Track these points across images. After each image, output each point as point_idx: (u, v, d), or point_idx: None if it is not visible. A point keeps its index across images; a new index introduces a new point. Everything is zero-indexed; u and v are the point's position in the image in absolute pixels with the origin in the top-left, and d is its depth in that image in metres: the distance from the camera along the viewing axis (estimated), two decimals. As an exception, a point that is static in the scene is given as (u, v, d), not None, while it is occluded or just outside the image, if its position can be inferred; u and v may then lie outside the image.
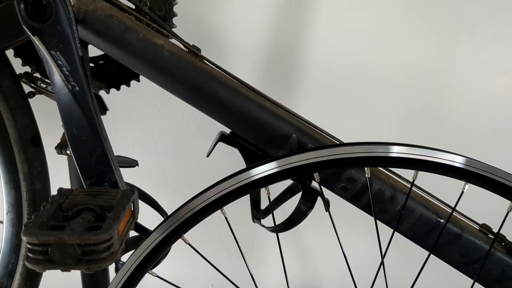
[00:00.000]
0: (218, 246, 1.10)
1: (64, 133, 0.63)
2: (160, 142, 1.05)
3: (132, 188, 0.53)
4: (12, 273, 0.67)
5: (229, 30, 0.97)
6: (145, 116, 1.04)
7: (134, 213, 0.53)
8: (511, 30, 0.99)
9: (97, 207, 0.49)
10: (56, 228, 0.45)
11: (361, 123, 1.04)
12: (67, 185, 0.70)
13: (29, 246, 0.43)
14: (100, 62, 0.66)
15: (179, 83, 0.58)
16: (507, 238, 0.66)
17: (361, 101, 1.02)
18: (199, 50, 0.60)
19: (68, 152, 0.59)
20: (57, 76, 0.52)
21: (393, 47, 1.00)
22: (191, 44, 0.60)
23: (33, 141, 0.62)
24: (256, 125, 0.59)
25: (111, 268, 0.69)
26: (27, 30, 0.51)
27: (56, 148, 0.61)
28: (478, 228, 0.66)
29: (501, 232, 0.66)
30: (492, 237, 0.65)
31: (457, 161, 0.56)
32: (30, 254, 0.44)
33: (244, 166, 0.63)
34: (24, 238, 0.43)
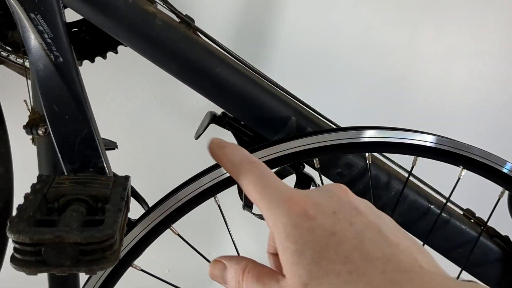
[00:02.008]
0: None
1: (32, 111, 0.55)
2: (118, 119, 0.97)
3: (125, 175, 0.47)
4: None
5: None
6: (101, 90, 0.95)
7: (128, 204, 0.47)
8: (475, 16, 1.01)
9: (89, 198, 0.43)
10: (47, 224, 0.39)
11: (329, 103, 1.02)
12: (30, 169, 0.62)
13: (17, 246, 0.37)
14: (74, 30, 0.57)
15: (171, 57, 0.52)
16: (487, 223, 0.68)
17: (329, 78, 1.00)
18: (192, 20, 0.54)
19: (40, 132, 0.52)
20: (36, 44, 0.44)
21: (362, 26, 0.98)
22: (184, 14, 0.54)
23: (-5, 118, 0.54)
24: (255, 107, 0.55)
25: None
26: (0, -13, 0.43)
27: (25, 127, 0.53)
28: (462, 213, 0.67)
29: (481, 217, 0.68)
30: (474, 221, 0.66)
31: (458, 148, 0.56)
32: (17, 255, 0.37)
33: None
34: (11, 237, 0.36)
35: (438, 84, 1.04)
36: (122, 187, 0.44)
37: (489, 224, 0.66)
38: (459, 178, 0.57)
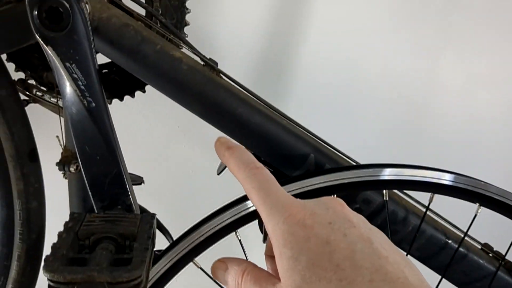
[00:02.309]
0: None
1: (64, 148, 0.58)
2: (144, 148, 1.00)
3: (151, 213, 0.50)
4: (-1, 296, 0.61)
5: (222, 35, 0.93)
6: (128, 120, 0.99)
7: (154, 241, 0.49)
8: (494, 47, 1.02)
9: (118, 236, 0.45)
10: (79, 262, 0.42)
11: (347, 134, 1.04)
12: (61, 204, 0.65)
13: (52, 284, 0.39)
14: (104, 71, 0.61)
15: (196, 98, 0.55)
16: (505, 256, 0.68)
17: (349, 110, 1.02)
18: (216, 63, 0.57)
19: (71, 169, 0.55)
20: (70, 90, 0.48)
21: (382, 58, 1.00)
22: (208, 57, 0.57)
23: (30, 156, 0.57)
24: (274, 144, 0.57)
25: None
26: (39, 40, 0.46)
27: (58, 164, 0.56)
28: (480, 248, 0.67)
29: (500, 251, 0.68)
30: (492, 255, 0.67)
31: (475, 186, 0.57)
32: (52, 292, 0.40)
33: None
34: (47, 276, 0.39)
35: (458, 114, 1.04)
36: (148, 225, 0.47)
37: (508, 259, 0.66)
38: (475, 215, 0.58)
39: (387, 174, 0.56)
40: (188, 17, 0.62)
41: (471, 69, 1.02)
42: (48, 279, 0.39)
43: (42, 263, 0.40)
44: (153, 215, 0.49)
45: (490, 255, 0.67)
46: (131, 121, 0.99)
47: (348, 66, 1.00)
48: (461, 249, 0.64)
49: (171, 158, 1.02)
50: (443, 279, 0.64)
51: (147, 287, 0.43)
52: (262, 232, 0.64)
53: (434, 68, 1.03)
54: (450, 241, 0.63)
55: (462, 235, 0.63)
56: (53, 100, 0.60)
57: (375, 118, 1.03)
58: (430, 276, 0.61)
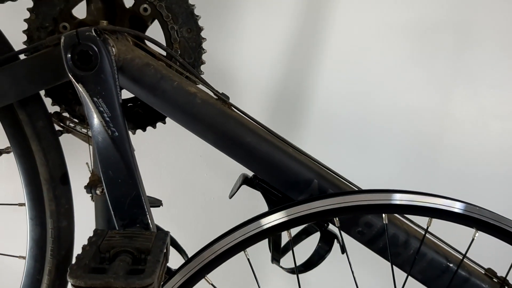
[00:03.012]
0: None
1: (92, 173, 0.65)
2: (168, 175, 1.07)
3: (165, 231, 0.55)
4: (31, 308, 0.67)
5: (240, 71, 1.01)
6: (153, 149, 1.06)
7: (167, 256, 0.54)
8: (506, 79, 1.05)
9: (134, 250, 0.51)
10: (99, 271, 0.47)
11: (362, 165, 1.08)
12: (87, 223, 0.71)
13: (74, 288, 0.45)
14: (129, 105, 0.68)
15: (209, 129, 0.61)
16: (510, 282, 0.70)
17: (363, 143, 1.06)
18: (227, 97, 0.63)
19: (97, 192, 0.61)
20: (97, 121, 0.55)
21: (395, 92, 1.05)
22: (221, 92, 0.63)
23: (62, 179, 0.64)
24: (280, 171, 0.62)
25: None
26: (72, 78, 0.53)
27: (86, 187, 0.63)
28: (483, 272, 0.69)
29: (504, 276, 0.70)
30: (497, 281, 0.69)
31: (467, 210, 0.60)
32: (75, 297, 0.45)
33: (263, 209, 0.66)
34: (70, 281, 0.45)
35: (471, 145, 1.07)
36: (162, 241, 0.52)
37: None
38: (473, 239, 0.61)
39: (384, 199, 0.60)
40: (204, 56, 0.69)
41: (482, 102, 1.06)
42: (72, 284, 0.45)
43: (68, 272, 0.46)
44: (167, 232, 0.55)
45: (494, 279, 0.69)
46: (158, 150, 1.06)
47: (362, 100, 1.05)
48: (463, 272, 0.66)
49: (194, 185, 1.08)
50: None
51: (158, 296, 0.48)
52: (270, 251, 0.68)
53: (447, 102, 1.06)
54: (451, 265, 0.66)
55: (466, 260, 0.66)
56: (84, 130, 0.67)
57: (388, 150, 1.07)
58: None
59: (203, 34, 0.67)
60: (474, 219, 0.60)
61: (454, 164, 1.08)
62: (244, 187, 0.66)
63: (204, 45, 0.68)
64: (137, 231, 0.55)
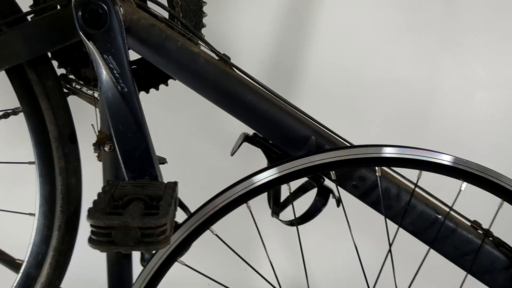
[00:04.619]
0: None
1: (99, 131, 0.68)
2: (167, 144, 1.09)
3: (174, 181, 0.58)
4: (41, 263, 0.70)
5: (238, 36, 1.04)
6: (152, 120, 1.08)
7: (176, 204, 0.58)
8: (490, 50, 1.09)
9: (146, 197, 0.54)
10: (115, 214, 0.51)
11: (353, 132, 1.12)
12: (95, 180, 0.74)
13: (93, 229, 0.48)
14: (133, 67, 0.71)
15: (212, 88, 0.64)
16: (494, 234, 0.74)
17: (355, 107, 1.10)
18: (229, 58, 0.66)
19: (106, 149, 0.64)
20: (107, 78, 0.57)
21: (385, 63, 1.09)
22: (222, 53, 0.66)
23: (71, 138, 0.67)
24: (280, 128, 0.66)
25: (135, 260, 0.74)
26: (82, 36, 0.56)
27: (94, 145, 0.65)
28: (470, 224, 0.74)
29: (487, 228, 0.75)
30: (481, 232, 0.73)
31: (455, 162, 0.64)
32: (93, 237, 0.49)
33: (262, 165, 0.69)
34: (90, 222, 0.48)
35: (457, 113, 1.12)
36: (171, 189, 0.56)
37: (502, 238, 0.72)
38: (460, 190, 0.65)
39: (376, 152, 0.63)
40: (205, 20, 0.71)
41: (469, 73, 1.10)
42: (91, 225, 0.48)
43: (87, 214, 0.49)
44: (176, 182, 0.58)
45: (479, 231, 0.73)
46: (155, 120, 1.09)
47: (354, 68, 1.09)
48: (450, 224, 0.70)
49: (191, 153, 1.12)
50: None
51: (170, 237, 0.51)
52: (270, 206, 0.72)
53: (435, 73, 1.10)
54: (439, 216, 0.70)
55: (453, 213, 0.70)
56: (90, 92, 0.70)
57: (378, 116, 1.11)
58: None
59: (204, -2, 0.70)
60: (462, 170, 0.64)
61: (442, 132, 1.13)
62: (245, 145, 0.70)
63: (204, 8, 0.71)
64: (147, 182, 0.58)
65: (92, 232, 0.48)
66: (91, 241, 0.49)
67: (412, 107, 1.11)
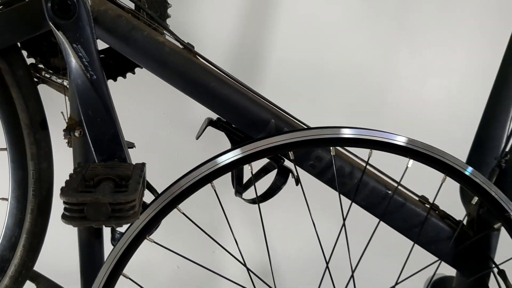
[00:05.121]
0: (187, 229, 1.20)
1: (69, 118, 0.71)
2: (134, 132, 1.13)
3: (142, 162, 0.62)
4: (15, 246, 0.73)
5: (202, 32, 1.08)
6: (121, 108, 1.11)
7: (144, 184, 0.62)
8: (443, 37, 1.17)
9: (116, 177, 0.58)
10: (87, 192, 0.54)
11: (313, 117, 1.18)
12: (65, 165, 0.77)
13: (66, 206, 0.52)
14: (101, 56, 0.74)
15: (177, 75, 0.68)
16: (440, 207, 0.81)
17: (315, 96, 1.16)
18: (192, 47, 0.70)
19: (76, 134, 0.67)
20: (76, 66, 0.61)
21: (344, 50, 1.15)
22: (186, 42, 0.70)
23: (42, 125, 0.70)
24: (241, 112, 0.71)
25: (106, 240, 0.78)
26: (52, 26, 0.59)
27: (65, 130, 0.68)
28: (418, 199, 0.81)
29: (436, 202, 0.82)
30: (428, 206, 0.80)
31: (403, 141, 0.70)
32: (66, 213, 0.52)
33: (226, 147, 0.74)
34: (63, 199, 0.52)
35: (411, 98, 1.19)
36: (140, 170, 0.60)
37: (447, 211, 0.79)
38: (407, 167, 0.71)
39: (330, 133, 0.69)
40: (170, 10, 0.75)
41: (422, 60, 1.17)
42: (64, 202, 0.52)
43: (58, 193, 0.52)
44: (144, 163, 0.62)
45: (426, 205, 0.80)
46: (123, 108, 1.12)
47: (314, 55, 1.14)
48: (399, 198, 0.77)
49: (158, 140, 1.15)
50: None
51: (139, 213, 0.56)
52: (233, 186, 0.77)
53: (390, 60, 1.17)
54: (389, 192, 0.76)
55: (402, 188, 0.77)
56: (59, 80, 0.73)
57: (338, 103, 1.17)
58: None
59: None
60: (408, 149, 0.70)
61: (397, 117, 1.20)
62: (209, 129, 0.74)
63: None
64: (116, 163, 0.62)
65: (65, 208, 0.52)
66: (64, 217, 0.52)
67: (369, 93, 1.18)
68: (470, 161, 0.86)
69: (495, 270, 0.75)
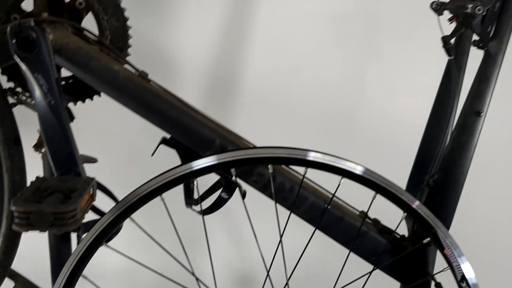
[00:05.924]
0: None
1: (39, 136, 0.81)
2: (119, 145, 1.23)
3: (92, 177, 0.72)
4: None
5: (176, 56, 1.17)
6: (108, 123, 1.22)
7: (93, 196, 0.71)
8: (411, 60, 1.23)
9: (65, 189, 0.67)
10: (36, 202, 0.64)
11: (285, 135, 1.25)
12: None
13: (16, 213, 0.61)
14: (70, 81, 0.84)
15: (130, 99, 0.77)
16: (380, 222, 0.87)
17: (286, 114, 1.23)
18: (146, 74, 0.79)
19: (43, 150, 0.77)
20: (38, 93, 0.70)
21: (315, 70, 1.22)
22: (141, 70, 0.79)
23: (15, 141, 0.80)
24: (190, 132, 0.79)
25: (74, 240, 0.87)
26: (16, 58, 0.69)
27: (34, 147, 0.78)
28: (358, 214, 0.87)
29: (376, 218, 0.88)
30: (368, 220, 0.86)
31: (332, 161, 0.76)
32: (16, 220, 0.62)
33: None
34: (12, 208, 0.61)
35: (380, 119, 1.25)
36: (87, 183, 0.69)
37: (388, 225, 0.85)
38: (339, 184, 0.78)
39: (268, 153, 0.76)
40: (131, 41, 0.85)
41: (389, 81, 1.23)
42: (13, 210, 0.61)
43: (12, 202, 0.62)
44: (93, 178, 0.72)
45: (368, 220, 0.86)
46: (108, 122, 1.22)
47: (286, 79, 1.22)
48: (338, 213, 0.83)
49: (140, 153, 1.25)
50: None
51: (80, 221, 0.64)
52: (189, 198, 0.85)
53: (360, 81, 1.24)
54: (328, 206, 0.83)
55: (342, 203, 0.83)
56: (33, 102, 0.83)
57: (308, 121, 1.24)
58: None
59: (129, 23, 0.83)
60: (336, 168, 0.77)
61: (366, 135, 1.26)
62: (163, 147, 0.83)
63: (131, 31, 0.84)
64: (70, 177, 0.72)
65: (15, 216, 0.62)
66: (15, 223, 0.62)
67: (339, 112, 1.25)
68: (411, 178, 0.92)
69: (433, 282, 0.80)
